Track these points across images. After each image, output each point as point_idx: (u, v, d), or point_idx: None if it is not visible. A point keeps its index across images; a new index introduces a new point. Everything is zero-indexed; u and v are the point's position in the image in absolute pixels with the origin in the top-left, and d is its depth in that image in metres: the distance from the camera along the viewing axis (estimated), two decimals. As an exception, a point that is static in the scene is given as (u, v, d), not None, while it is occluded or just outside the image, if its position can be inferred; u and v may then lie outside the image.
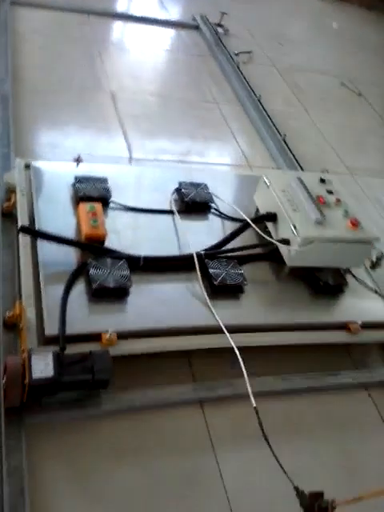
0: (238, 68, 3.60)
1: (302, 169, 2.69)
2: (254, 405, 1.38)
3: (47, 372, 1.39)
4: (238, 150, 2.86)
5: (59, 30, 3.48)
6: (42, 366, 1.40)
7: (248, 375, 1.47)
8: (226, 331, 1.58)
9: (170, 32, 4.02)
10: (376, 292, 1.99)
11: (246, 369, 1.48)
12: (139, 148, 2.64)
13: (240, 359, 1.49)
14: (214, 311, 1.64)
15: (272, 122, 3.10)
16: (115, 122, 2.78)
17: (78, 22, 3.65)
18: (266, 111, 3.18)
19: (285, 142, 2.92)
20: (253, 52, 3.98)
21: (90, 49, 3.37)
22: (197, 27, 4.14)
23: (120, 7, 4.18)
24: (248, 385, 1.43)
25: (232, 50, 3.85)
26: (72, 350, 1.46)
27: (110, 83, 3.07)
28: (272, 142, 2.94)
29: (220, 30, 4.10)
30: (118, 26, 3.87)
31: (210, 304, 1.67)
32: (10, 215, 2.01)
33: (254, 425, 1.35)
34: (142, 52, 3.59)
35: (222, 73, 3.60)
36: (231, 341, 1.55)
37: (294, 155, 2.81)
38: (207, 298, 1.68)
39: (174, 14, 4.40)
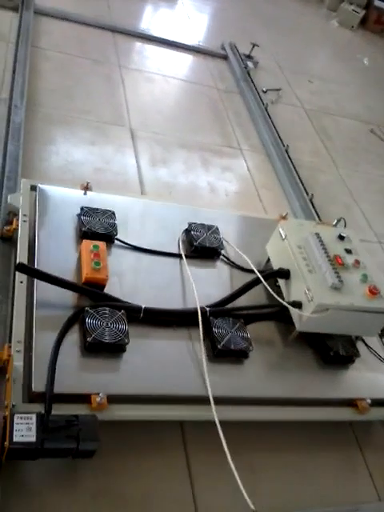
0: (266, 110, 3.41)
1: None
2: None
3: (29, 436, 1.29)
4: (261, 212, 2.68)
5: (82, 49, 3.30)
6: (25, 429, 1.30)
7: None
8: (213, 406, 1.44)
9: (198, 60, 3.84)
10: (387, 364, 1.88)
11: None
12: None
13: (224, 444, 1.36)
14: (207, 384, 1.50)
15: (299, 178, 2.90)
16: (132, 166, 2.59)
17: (103, 41, 3.49)
18: (293, 165, 2.99)
19: (311, 204, 2.73)
20: (282, 89, 3.83)
21: (112, 73, 3.20)
22: (225, 57, 3.98)
23: (147, 27, 3.98)
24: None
25: (260, 87, 3.69)
26: (58, 410, 1.35)
27: (130, 118, 2.89)
28: (298, 203, 2.74)
29: (250, 64, 3.92)
30: (143, 49, 3.68)
31: (207, 374, 1.53)
32: (10, 239, 1.92)
33: None
34: (167, 81, 3.42)
35: (249, 113, 3.42)
36: (216, 416, 1.42)
37: (320, 219, 2.62)
38: (205, 367, 1.55)
39: (201, 34, 4.25)
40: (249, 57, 4.03)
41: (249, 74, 3.75)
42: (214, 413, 1.44)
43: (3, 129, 2.38)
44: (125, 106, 2.97)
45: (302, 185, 2.88)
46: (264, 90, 3.74)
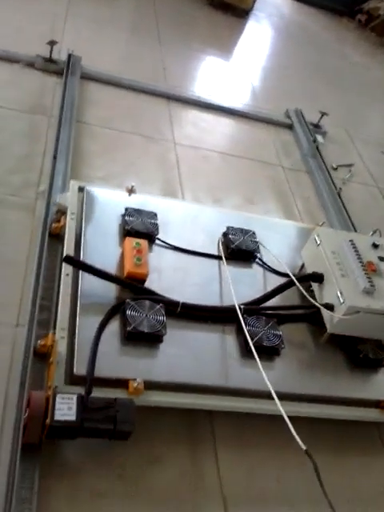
0: (339, 196, 2.96)
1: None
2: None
3: (70, 415, 1.37)
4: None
5: (134, 122, 2.93)
6: (66, 409, 1.38)
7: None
8: (276, 398, 1.49)
9: (259, 130, 3.39)
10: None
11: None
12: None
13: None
14: (266, 380, 1.53)
15: None
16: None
17: (157, 111, 3.14)
18: None
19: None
20: (354, 165, 3.40)
21: (167, 153, 2.84)
22: (290, 127, 3.55)
23: (203, 89, 3.57)
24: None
25: (330, 162, 3.28)
26: (98, 393, 1.44)
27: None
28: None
29: (319, 137, 3.39)
30: (200, 119, 3.25)
31: (263, 371, 1.56)
32: (57, 237, 2.04)
33: None
34: (225, 160, 3.01)
35: (318, 198, 2.98)
36: (282, 409, 1.47)
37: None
38: (259, 362, 1.59)
39: (262, 96, 3.84)
40: (317, 126, 3.56)
41: (318, 149, 3.30)
42: (280, 407, 1.47)
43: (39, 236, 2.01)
44: (180, 196, 2.60)
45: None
46: (334, 166, 3.30)
